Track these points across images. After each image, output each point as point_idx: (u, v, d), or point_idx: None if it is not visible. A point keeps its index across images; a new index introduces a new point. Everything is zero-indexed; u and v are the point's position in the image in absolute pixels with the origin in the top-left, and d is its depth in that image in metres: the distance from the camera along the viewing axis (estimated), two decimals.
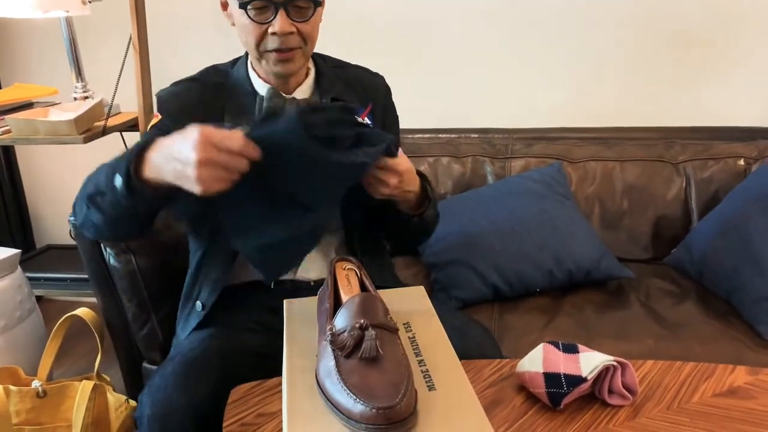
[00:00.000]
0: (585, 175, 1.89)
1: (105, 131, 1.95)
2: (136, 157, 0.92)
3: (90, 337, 1.64)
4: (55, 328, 1.60)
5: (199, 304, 1.16)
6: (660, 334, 1.40)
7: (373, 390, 0.66)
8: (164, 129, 1.09)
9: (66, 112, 1.97)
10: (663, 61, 2.05)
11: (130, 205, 0.94)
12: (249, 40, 1.09)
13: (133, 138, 2.11)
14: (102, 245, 1.48)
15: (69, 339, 1.66)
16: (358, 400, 0.65)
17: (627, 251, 1.81)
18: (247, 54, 1.19)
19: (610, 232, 1.83)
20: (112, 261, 1.47)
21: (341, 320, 0.74)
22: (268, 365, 1.03)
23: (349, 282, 0.85)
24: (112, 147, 2.22)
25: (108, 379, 1.63)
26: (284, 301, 0.95)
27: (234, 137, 0.83)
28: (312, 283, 1.18)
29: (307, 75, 1.19)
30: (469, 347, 1.07)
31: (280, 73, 1.12)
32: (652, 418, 0.88)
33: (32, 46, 2.43)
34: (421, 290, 1.00)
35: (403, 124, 1.36)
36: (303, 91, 1.18)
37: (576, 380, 0.88)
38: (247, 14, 1.06)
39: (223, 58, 1.25)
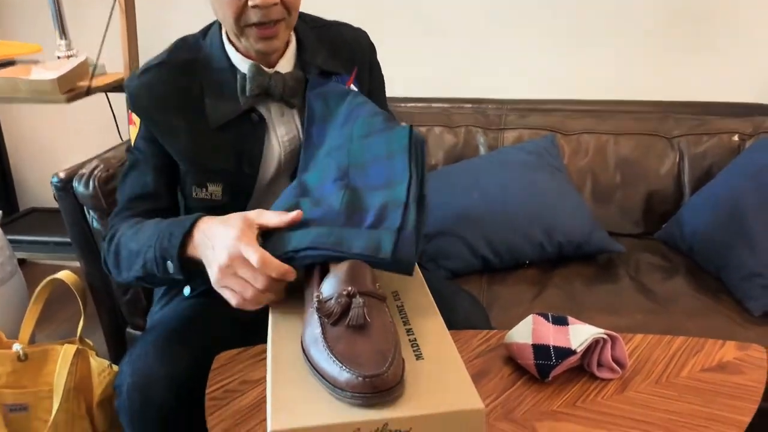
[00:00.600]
0: (578, 148, 1.87)
1: (89, 91, 1.90)
2: (181, 245, 0.90)
3: (73, 302, 1.62)
4: (37, 291, 1.57)
5: (187, 288, 1.14)
6: (649, 308, 1.40)
7: (360, 358, 0.65)
8: (149, 137, 1.06)
9: (49, 71, 1.92)
10: (659, 34, 2.02)
11: (186, 280, 0.94)
12: (227, 14, 0.98)
13: (118, 100, 2.06)
14: (86, 208, 1.45)
15: (52, 303, 1.64)
16: (344, 367, 0.63)
17: (618, 225, 1.81)
18: (219, 23, 1.08)
19: (602, 205, 1.82)
20: (95, 224, 1.44)
21: (328, 287, 0.72)
22: (253, 335, 1.01)
23: None
24: (96, 108, 2.18)
25: (91, 343, 1.61)
26: None
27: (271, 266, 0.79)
28: None
29: (288, 44, 1.10)
30: (458, 317, 1.06)
31: (263, 51, 1.03)
32: (640, 392, 0.87)
33: (15, 1, 2.36)
34: None
35: (396, 92, 1.33)
36: (285, 63, 1.09)
37: (565, 352, 0.87)
38: None
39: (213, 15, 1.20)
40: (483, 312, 1.12)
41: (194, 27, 1.15)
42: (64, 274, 1.55)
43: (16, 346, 1.45)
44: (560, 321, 0.94)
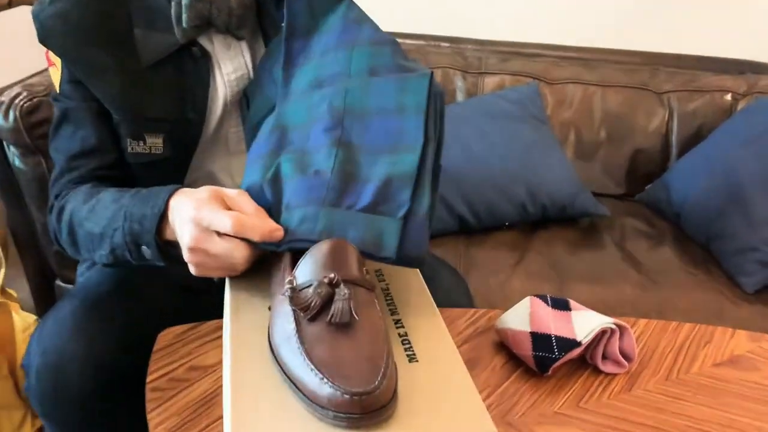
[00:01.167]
0: (563, 99, 1.76)
1: (11, 4, 1.67)
2: (157, 229, 0.74)
3: None
4: None
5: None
6: (637, 281, 1.32)
7: (345, 367, 0.52)
8: (76, 79, 0.86)
9: None
10: None
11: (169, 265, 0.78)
12: None
13: None
14: (5, 143, 1.27)
15: None
16: (326, 380, 0.51)
17: (599, 185, 1.72)
18: None
19: (584, 163, 1.73)
20: (17, 163, 1.26)
21: (305, 272, 0.59)
22: (202, 302, 0.87)
23: None
24: (21, 25, 1.93)
25: (15, 295, 1.45)
26: None
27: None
28: None
29: None
30: (438, 295, 0.94)
31: None
32: (649, 390, 0.78)
33: None
34: None
35: None
36: None
37: (569, 344, 0.77)
38: None
39: None
40: (465, 287, 1.01)
41: None
42: None
43: None
44: (561, 305, 0.83)
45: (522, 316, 0.82)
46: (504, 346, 0.83)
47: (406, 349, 0.61)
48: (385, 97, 0.72)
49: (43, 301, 1.45)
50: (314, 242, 0.62)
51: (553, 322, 0.80)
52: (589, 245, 1.45)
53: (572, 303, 0.84)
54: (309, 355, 0.54)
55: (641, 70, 1.81)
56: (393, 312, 0.67)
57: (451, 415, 0.54)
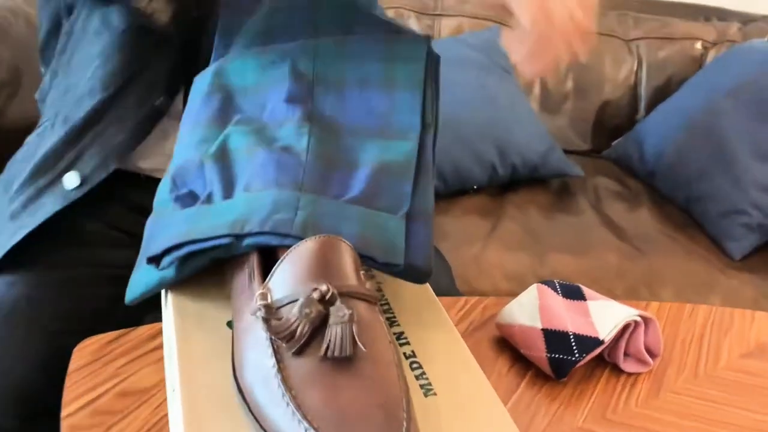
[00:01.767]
0: None
1: None
2: None
3: None
4: None
5: (73, 176, 0.73)
6: (620, 249, 1.22)
7: (351, 421, 0.38)
8: None
9: None
10: None
11: None
12: None
13: None
14: None
15: None
16: None
17: (565, 141, 1.61)
18: None
19: (549, 116, 1.61)
20: None
21: (284, 282, 0.43)
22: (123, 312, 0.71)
23: None
24: None
25: None
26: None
27: None
28: None
29: None
30: None
31: None
32: (679, 393, 0.68)
33: None
34: None
35: None
36: None
37: (590, 343, 0.65)
38: None
39: None
40: (448, 267, 0.87)
41: None
42: None
43: None
44: (574, 293, 0.71)
45: (530, 309, 0.69)
46: (505, 342, 0.71)
47: (417, 377, 0.47)
48: (367, 64, 0.56)
49: None
50: (291, 239, 0.46)
51: (568, 316, 0.67)
52: (564, 209, 1.34)
53: (585, 290, 0.71)
54: (298, 403, 0.38)
55: (608, 14, 1.70)
56: (392, 322, 0.52)
57: None
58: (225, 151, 0.51)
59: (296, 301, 0.41)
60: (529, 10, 0.54)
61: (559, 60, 0.55)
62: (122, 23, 0.70)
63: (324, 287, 0.41)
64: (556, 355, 0.64)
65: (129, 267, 0.71)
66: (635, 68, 1.65)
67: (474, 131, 1.32)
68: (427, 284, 0.58)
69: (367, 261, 0.47)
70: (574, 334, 0.65)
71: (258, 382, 0.41)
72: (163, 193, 0.56)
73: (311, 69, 0.55)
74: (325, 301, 0.41)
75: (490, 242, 1.19)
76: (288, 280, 0.43)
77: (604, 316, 0.67)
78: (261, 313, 0.42)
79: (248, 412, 0.41)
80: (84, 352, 0.63)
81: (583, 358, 0.64)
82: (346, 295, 0.42)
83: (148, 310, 0.67)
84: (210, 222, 0.48)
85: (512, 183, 1.39)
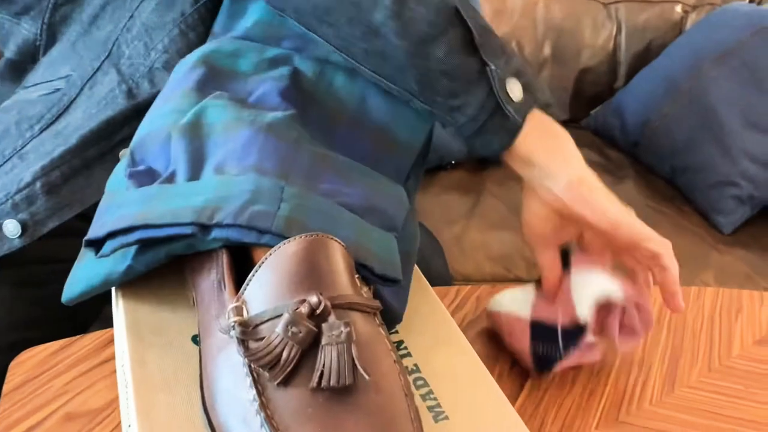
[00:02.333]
0: (502, 8, 1.56)
1: None
2: None
3: None
4: None
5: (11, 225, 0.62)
6: None
7: None
8: None
9: None
10: None
11: None
12: None
13: None
14: None
15: None
16: None
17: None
18: None
19: None
20: None
21: (263, 293, 0.35)
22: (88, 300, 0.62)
23: None
24: None
25: None
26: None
27: None
28: None
29: None
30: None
31: None
32: (694, 387, 0.63)
33: None
34: None
35: None
36: None
37: (574, 333, 0.58)
38: None
39: None
40: (440, 250, 0.81)
41: None
42: None
43: None
44: (564, 260, 0.63)
45: (521, 298, 0.62)
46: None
47: (424, 397, 0.40)
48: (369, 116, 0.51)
49: None
50: (271, 236, 0.38)
51: (560, 301, 0.60)
52: None
53: (574, 255, 0.63)
54: None
55: None
56: (390, 330, 0.45)
57: None
58: (198, 125, 0.43)
59: (280, 316, 0.34)
60: None
61: None
62: None
63: (314, 299, 0.34)
64: (542, 351, 0.58)
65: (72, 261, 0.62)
66: (614, 33, 1.59)
67: None
68: (425, 281, 0.51)
69: (361, 270, 0.39)
70: (563, 328, 0.58)
71: (235, 419, 0.33)
72: (118, 170, 0.48)
73: (314, 82, 0.49)
74: (316, 316, 0.34)
75: (471, 221, 1.12)
76: (269, 289, 0.35)
77: (582, 288, 0.59)
78: (236, 333, 0.34)
79: None
80: (22, 367, 0.54)
81: (569, 353, 0.57)
82: (341, 307, 0.35)
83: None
84: (170, 205, 0.39)
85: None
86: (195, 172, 0.42)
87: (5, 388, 0.52)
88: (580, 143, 1.49)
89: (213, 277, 0.38)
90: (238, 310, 0.35)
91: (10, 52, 0.67)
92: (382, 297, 0.41)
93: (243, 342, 0.34)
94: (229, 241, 0.39)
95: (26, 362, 0.55)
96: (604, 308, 0.58)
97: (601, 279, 0.59)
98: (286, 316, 0.33)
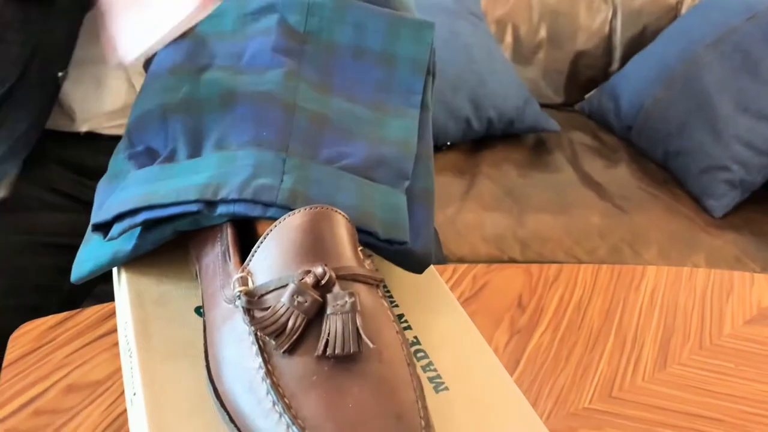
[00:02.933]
0: None
1: None
2: None
3: None
4: None
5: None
6: (603, 208, 1.18)
7: None
8: None
9: None
10: None
11: None
12: None
13: None
14: None
15: None
16: None
17: (537, 93, 1.56)
18: None
19: (521, 67, 1.55)
20: None
21: (268, 263, 0.36)
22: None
23: None
24: None
25: None
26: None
27: None
28: None
29: None
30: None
31: None
32: (686, 365, 0.64)
33: None
34: None
35: None
36: None
37: None
38: None
39: None
40: (435, 233, 0.81)
41: None
42: None
43: None
44: None
45: None
46: (500, 314, 0.65)
47: (424, 368, 0.41)
48: (367, 34, 0.49)
49: None
50: (276, 209, 0.38)
51: None
52: (541, 166, 1.29)
53: None
54: (293, 414, 0.32)
55: None
56: (390, 302, 0.45)
57: None
58: (193, 101, 0.43)
59: (285, 286, 0.34)
60: None
61: None
62: None
63: (319, 270, 0.34)
64: None
65: (71, 234, 0.62)
66: (610, 17, 1.59)
67: (447, 83, 1.24)
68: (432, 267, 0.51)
69: (365, 237, 0.40)
70: None
71: (240, 387, 0.34)
72: (118, 151, 0.48)
73: (302, 25, 0.48)
74: (321, 287, 0.34)
75: (466, 202, 1.13)
76: (273, 261, 0.35)
77: None
78: (241, 302, 0.35)
79: (228, 422, 0.34)
80: (22, 339, 0.55)
81: None
82: (345, 279, 0.36)
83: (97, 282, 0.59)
84: (174, 184, 0.40)
85: (486, 138, 1.32)
86: (195, 149, 0.43)
87: (6, 359, 0.53)
88: (574, 126, 1.51)
89: (218, 249, 0.39)
90: (244, 281, 0.35)
91: None
92: (404, 248, 0.42)
93: (248, 311, 0.34)
94: (235, 215, 0.39)
95: (26, 335, 0.55)
96: None
97: None
98: (291, 286, 0.34)
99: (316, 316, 0.34)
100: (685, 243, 1.11)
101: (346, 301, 0.34)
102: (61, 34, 0.62)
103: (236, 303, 0.35)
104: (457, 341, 0.43)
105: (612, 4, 1.60)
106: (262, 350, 0.34)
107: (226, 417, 0.34)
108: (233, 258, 0.37)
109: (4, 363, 0.52)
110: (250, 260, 0.36)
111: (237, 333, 0.35)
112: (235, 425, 0.34)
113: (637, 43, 1.59)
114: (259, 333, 0.34)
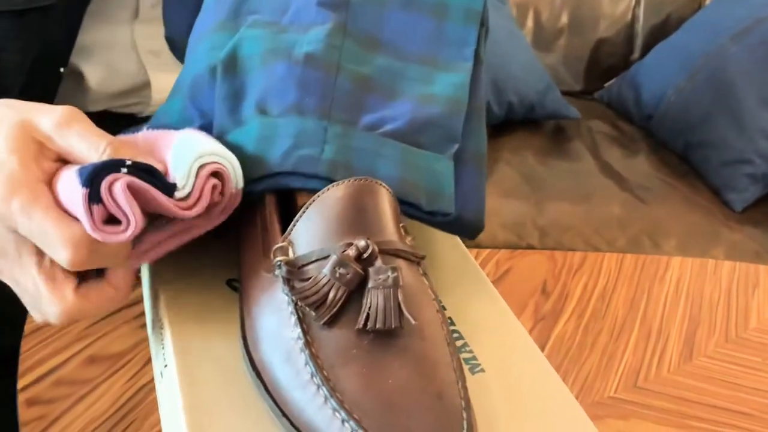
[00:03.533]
0: None
1: None
2: None
3: None
4: None
5: None
6: (623, 198, 1.18)
7: (398, 411, 0.31)
8: None
9: None
10: None
11: None
12: None
13: None
14: None
15: None
16: None
17: (558, 80, 1.53)
18: None
19: (542, 54, 1.53)
20: None
21: (310, 234, 0.35)
22: None
23: None
24: None
25: None
26: None
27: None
28: None
29: None
30: None
31: None
32: (712, 358, 0.63)
33: None
34: None
35: None
36: None
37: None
38: None
39: None
40: None
41: None
42: None
43: None
44: None
45: None
46: (525, 301, 0.65)
47: (459, 349, 0.40)
48: None
49: None
50: (317, 180, 0.38)
51: None
52: (561, 154, 1.28)
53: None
54: (331, 386, 0.31)
55: None
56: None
57: None
58: (234, 60, 0.42)
59: (326, 258, 0.34)
60: None
61: None
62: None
63: (362, 243, 0.34)
64: None
65: None
66: (633, 5, 1.57)
67: None
68: (458, 238, 0.51)
69: (408, 209, 0.39)
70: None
71: (278, 357, 0.33)
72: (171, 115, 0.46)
73: None
74: (363, 260, 0.34)
75: (487, 189, 1.12)
76: (315, 232, 0.35)
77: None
78: (282, 272, 0.34)
79: (264, 393, 0.34)
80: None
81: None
82: (387, 253, 0.35)
83: None
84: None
85: (505, 124, 1.31)
86: (235, 111, 0.42)
87: (26, 328, 0.52)
88: (594, 114, 1.49)
89: (257, 219, 0.38)
90: (284, 250, 0.35)
91: None
92: (456, 209, 0.41)
93: (289, 281, 0.34)
94: (276, 185, 0.38)
95: None
96: None
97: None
98: (333, 258, 0.33)
99: (356, 289, 0.33)
100: (705, 236, 1.10)
101: (389, 276, 0.33)
102: (60, 38, 0.61)
103: (276, 272, 0.34)
104: (492, 323, 0.42)
105: None
106: (302, 321, 0.33)
107: (262, 388, 0.34)
108: (273, 229, 0.37)
109: (25, 331, 0.52)
110: (291, 230, 0.35)
111: (276, 303, 0.34)
112: (271, 397, 0.33)
113: (659, 33, 1.57)
114: (299, 303, 0.33)
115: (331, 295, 0.33)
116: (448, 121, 0.42)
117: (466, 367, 0.39)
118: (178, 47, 0.63)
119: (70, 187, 0.34)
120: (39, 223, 0.33)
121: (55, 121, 0.35)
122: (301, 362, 0.32)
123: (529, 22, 1.53)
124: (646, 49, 1.56)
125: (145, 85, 0.71)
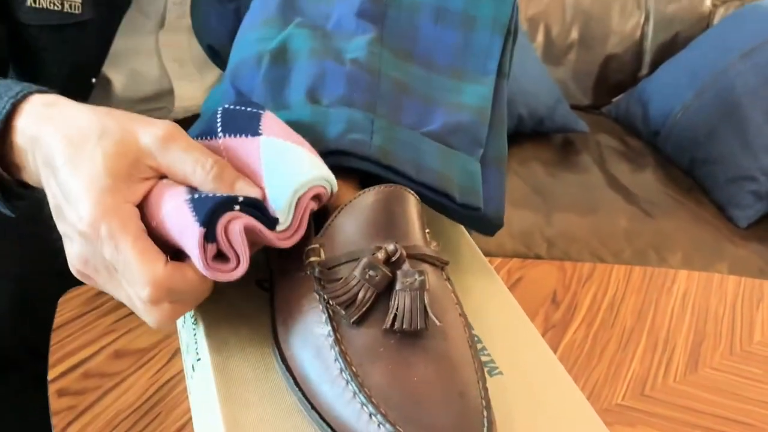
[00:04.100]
0: None
1: None
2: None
3: None
4: None
5: None
6: (630, 211, 1.19)
7: (423, 407, 0.32)
8: None
9: None
10: None
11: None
12: None
13: None
14: None
15: None
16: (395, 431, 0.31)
17: (566, 94, 1.55)
18: None
19: (551, 68, 1.55)
20: None
21: (343, 236, 0.37)
22: None
23: None
24: None
25: None
26: None
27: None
28: None
29: None
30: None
31: None
32: (717, 369, 0.64)
33: None
34: None
35: None
36: None
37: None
38: None
39: None
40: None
41: None
42: None
43: None
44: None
45: None
46: (535, 309, 0.66)
47: (480, 355, 0.41)
48: (450, 3, 0.49)
49: None
50: (369, 163, 0.41)
51: None
52: (569, 166, 1.30)
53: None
54: (360, 381, 0.33)
55: None
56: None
57: None
58: (284, 51, 0.45)
59: (357, 260, 0.35)
60: None
61: None
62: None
63: (391, 247, 0.35)
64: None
65: None
66: (642, 22, 1.59)
67: None
68: (475, 245, 0.52)
69: (443, 199, 0.42)
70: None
71: (308, 353, 0.35)
72: (215, 94, 0.49)
73: None
74: (391, 263, 0.35)
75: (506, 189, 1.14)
76: (347, 235, 0.36)
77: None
78: (314, 272, 0.36)
79: (294, 387, 0.35)
80: (71, 303, 0.56)
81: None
82: (414, 258, 0.37)
83: None
84: None
85: (515, 136, 1.33)
86: (279, 95, 0.44)
87: (56, 321, 0.54)
88: (601, 129, 1.51)
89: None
90: (317, 251, 0.36)
91: None
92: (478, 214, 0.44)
93: (320, 281, 0.35)
94: (334, 162, 0.40)
95: (75, 299, 0.56)
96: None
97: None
98: (364, 260, 0.35)
99: (384, 290, 0.35)
100: (710, 251, 1.12)
101: (416, 279, 0.34)
102: (95, 51, 0.63)
103: (309, 272, 0.36)
104: (509, 327, 0.44)
105: (644, 10, 1.59)
106: (332, 319, 0.35)
107: (292, 382, 0.35)
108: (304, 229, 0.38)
109: (54, 325, 0.53)
110: (323, 233, 0.37)
111: (308, 301, 0.36)
112: (301, 390, 0.35)
113: (667, 50, 1.58)
114: (330, 302, 0.35)
115: (360, 295, 0.34)
116: (475, 127, 0.45)
117: (484, 367, 0.40)
118: (219, 55, 0.66)
119: (181, 219, 0.34)
120: (124, 255, 0.34)
121: (157, 137, 0.36)
122: (331, 358, 0.34)
123: (540, 37, 1.55)
124: (655, 66, 1.58)
125: (168, 92, 0.73)
